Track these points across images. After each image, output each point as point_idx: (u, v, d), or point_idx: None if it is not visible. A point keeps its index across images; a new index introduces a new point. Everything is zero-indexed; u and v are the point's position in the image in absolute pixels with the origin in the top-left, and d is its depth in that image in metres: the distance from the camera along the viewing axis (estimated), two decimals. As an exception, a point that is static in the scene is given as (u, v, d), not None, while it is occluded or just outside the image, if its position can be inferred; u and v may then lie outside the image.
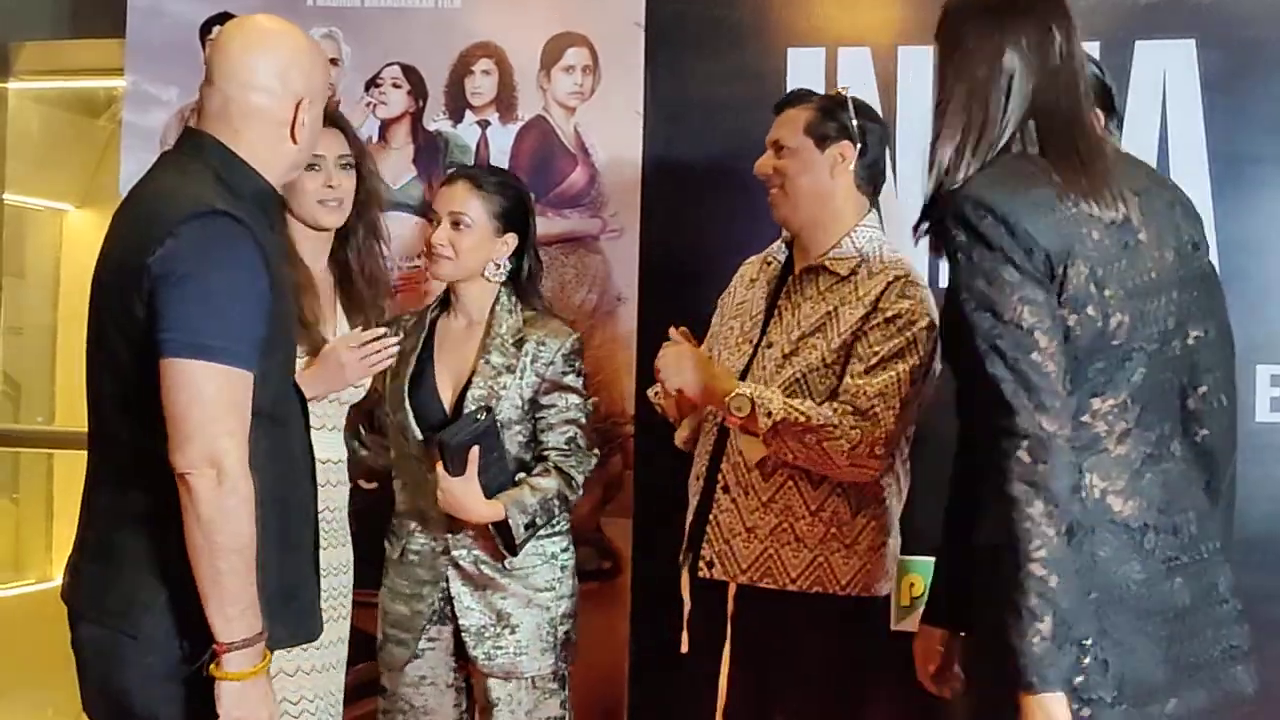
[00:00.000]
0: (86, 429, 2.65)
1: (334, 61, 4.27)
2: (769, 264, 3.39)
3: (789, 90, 3.42)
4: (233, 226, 2.45)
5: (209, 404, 2.38)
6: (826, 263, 3.27)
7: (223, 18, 4.29)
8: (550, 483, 3.41)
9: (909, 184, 3.88)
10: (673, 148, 4.11)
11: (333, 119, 3.40)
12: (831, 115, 3.28)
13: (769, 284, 3.37)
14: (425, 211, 4.18)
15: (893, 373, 3.11)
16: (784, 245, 3.40)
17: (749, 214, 3.44)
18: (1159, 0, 3.78)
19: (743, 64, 4.04)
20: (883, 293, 3.18)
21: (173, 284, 2.40)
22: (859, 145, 3.28)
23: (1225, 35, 3.73)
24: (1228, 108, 3.71)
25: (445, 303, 3.58)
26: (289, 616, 2.60)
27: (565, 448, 3.45)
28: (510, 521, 3.33)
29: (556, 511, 3.43)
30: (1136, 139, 3.74)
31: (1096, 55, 3.65)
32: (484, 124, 4.24)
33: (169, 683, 2.46)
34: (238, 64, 2.63)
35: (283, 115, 2.64)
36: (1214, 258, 3.55)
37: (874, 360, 3.13)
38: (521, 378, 3.43)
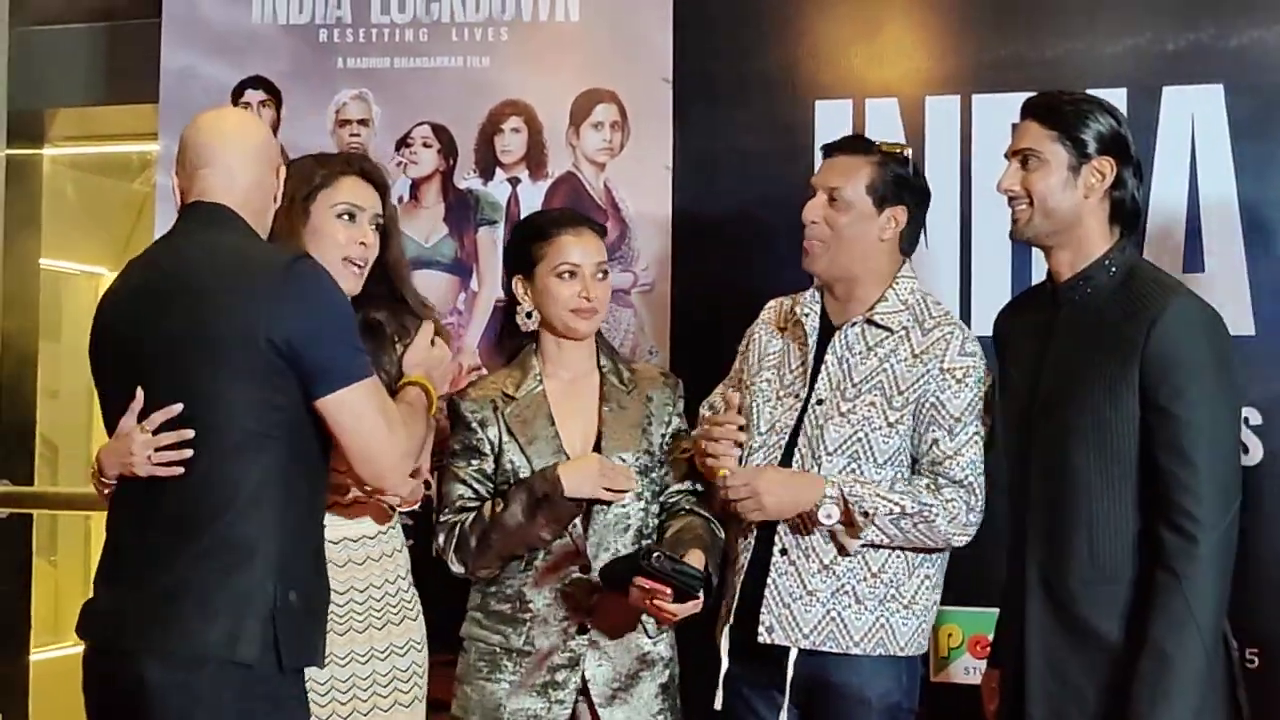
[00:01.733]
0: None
1: (364, 122, 4.32)
2: (806, 315, 3.27)
3: (844, 137, 3.34)
4: (321, 267, 2.80)
5: (374, 417, 2.74)
6: (877, 317, 3.19)
7: (255, 81, 4.36)
8: (705, 531, 3.22)
9: (938, 234, 3.88)
10: (702, 201, 4.12)
11: (373, 177, 3.28)
12: (894, 175, 3.20)
13: (807, 337, 3.26)
14: (456, 268, 4.21)
15: (976, 435, 3.13)
16: (816, 295, 3.30)
17: (780, 266, 3.44)
18: (1186, 46, 3.78)
19: (771, 116, 4.05)
20: (945, 350, 3.15)
21: (312, 330, 2.69)
22: (911, 210, 3.23)
23: (1253, 80, 3.72)
24: (1257, 153, 3.70)
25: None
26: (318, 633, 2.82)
27: (691, 489, 3.32)
28: (712, 580, 3.12)
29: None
30: (1166, 186, 3.74)
31: (1123, 102, 3.67)
32: (514, 181, 4.26)
33: (260, 701, 2.65)
34: (239, 144, 2.88)
35: (272, 183, 2.92)
36: (1247, 304, 3.61)
37: (958, 427, 3.12)
38: (651, 425, 3.30)
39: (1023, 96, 3.11)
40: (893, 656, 3.14)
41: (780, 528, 3.15)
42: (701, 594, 2.99)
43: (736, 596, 3.22)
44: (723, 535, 3.26)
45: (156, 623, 2.64)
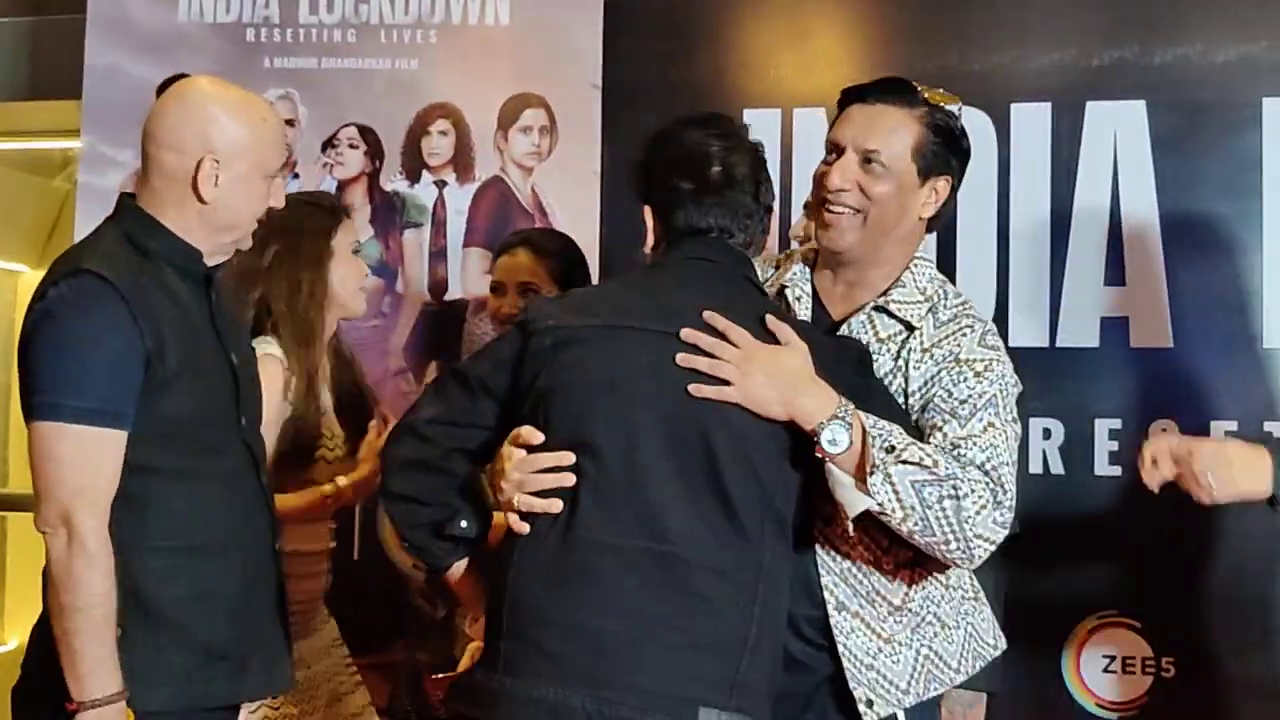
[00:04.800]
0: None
1: (291, 122, 4.27)
2: (799, 299, 2.69)
3: (881, 79, 2.68)
4: (93, 284, 2.45)
5: (61, 464, 2.42)
6: (892, 306, 2.61)
7: (180, 79, 4.30)
8: None
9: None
10: (631, 207, 4.03)
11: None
12: (942, 137, 2.61)
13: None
14: (381, 271, 4.18)
15: (993, 426, 2.47)
16: (805, 270, 2.74)
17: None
18: (1109, 62, 3.82)
19: (699, 125, 4.05)
20: (963, 342, 2.56)
21: (33, 347, 2.46)
22: (955, 180, 2.66)
23: (1175, 97, 3.76)
24: (1178, 168, 3.74)
25: None
26: (216, 675, 2.56)
27: None
28: None
29: None
30: (1088, 200, 3.78)
31: (1047, 116, 3.76)
32: (441, 184, 4.24)
33: None
34: (150, 120, 2.64)
35: (185, 172, 2.59)
36: (1166, 317, 3.65)
37: (964, 410, 2.48)
38: None
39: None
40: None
41: (826, 580, 2.54)
42: None
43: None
44: None
45: None
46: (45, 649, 2.50)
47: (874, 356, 2.58)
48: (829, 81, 4.03)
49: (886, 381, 2.57)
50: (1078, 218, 3.78)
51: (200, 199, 2.60)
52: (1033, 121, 3.83)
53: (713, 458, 2.34)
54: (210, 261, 2.68)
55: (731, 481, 2.33)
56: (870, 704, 2.52)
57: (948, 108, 2.61)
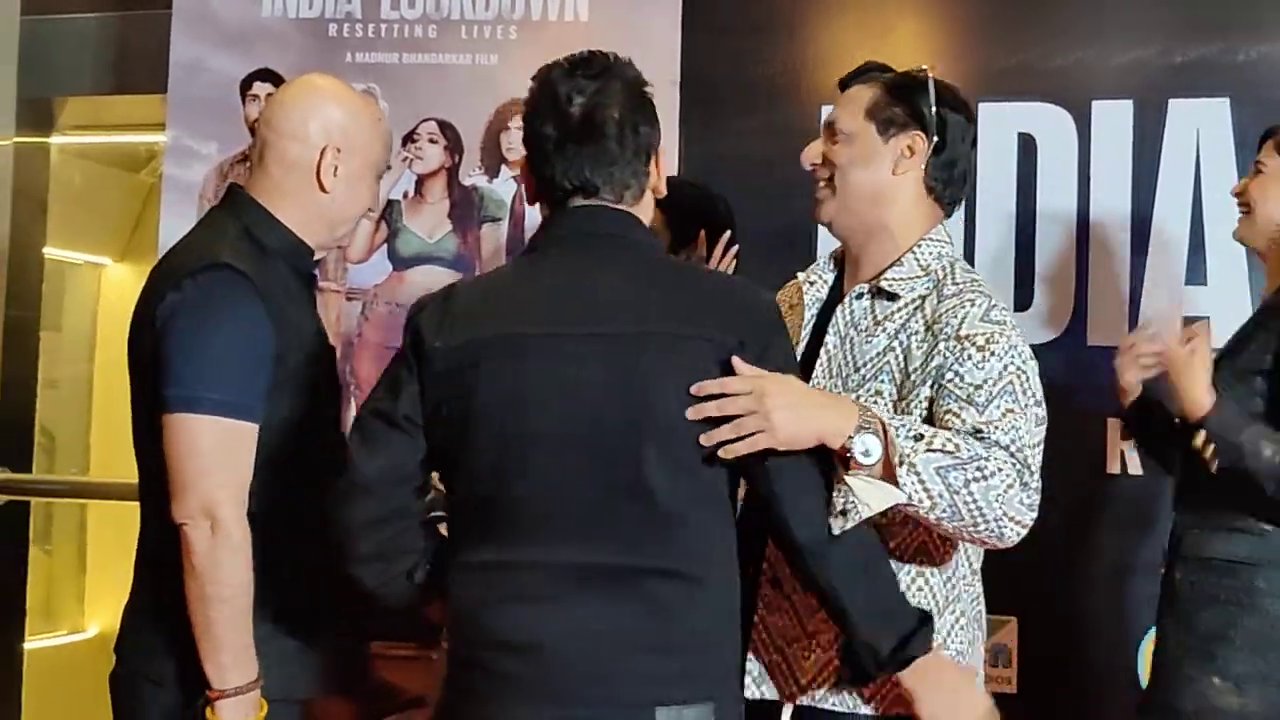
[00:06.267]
0: (120, 480, 2.67)
1: (370, 117, 4.32)
2: (811, 283, 2.73)
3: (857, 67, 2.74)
4: (233, 278, 2.47)
5: (203, 457, 2.42)
6: (884, 284, 2.56)
7: (263, 74, 4.36)
8: None
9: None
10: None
11: None
12: (903, 97, 2.59)
13: (810, 310, 2.71)
14: (457, 264, 4.21)
15: (1012, 411, 2.39)
16: (831, 262, 2.76)
17: (782, 270, 3.44)
18: (1193, 59, 3.79)
19: (776, 121, 4.05)
20: (963, 316, 2.46)
21: (170, 338, 2.46)
22: (934, 138, 2.58)
23: (1259, 94, 3.73)
24: (1262, 167, 3.71)
25: None
26: (307, 666, 2.60)
27: None
28: None
29: None
30: (1170, 198, 3.75)
31: (1129, 114, 3.73)
32: (519, 179, 4.27)
33: None
34: (273, 111, 2.69)
35: (309, 161, 2.63)
36: (1249, 317, 3.61)
37: (979, 395, 2.39)
38: None
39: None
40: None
41: (769, 552, 2.51)
42: None
43: None
44: None
45: (122, 621, 2.62)
46: (139, 631, 2.55)
47: (870, 337, 2.54)
48: (908, 78, 4.04)
49: (882, 358, 2.52)
50: (1159, 216, 3.75)
51: (322, 188, 2.64)
52: (1114, 119, 3.81)
53: (642, 461, 2.19)
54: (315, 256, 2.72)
55: (661, 482, 2.19)
56: (759, 681, 2.51)
57: (911, 74, 2.63)
